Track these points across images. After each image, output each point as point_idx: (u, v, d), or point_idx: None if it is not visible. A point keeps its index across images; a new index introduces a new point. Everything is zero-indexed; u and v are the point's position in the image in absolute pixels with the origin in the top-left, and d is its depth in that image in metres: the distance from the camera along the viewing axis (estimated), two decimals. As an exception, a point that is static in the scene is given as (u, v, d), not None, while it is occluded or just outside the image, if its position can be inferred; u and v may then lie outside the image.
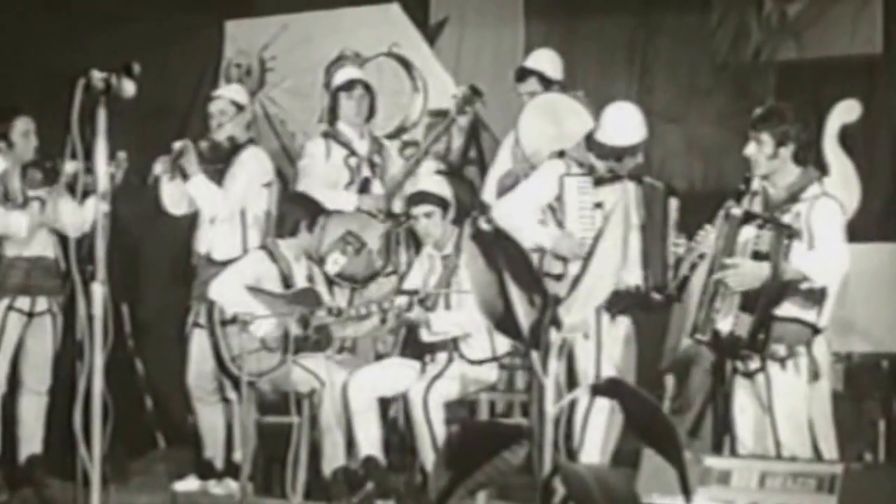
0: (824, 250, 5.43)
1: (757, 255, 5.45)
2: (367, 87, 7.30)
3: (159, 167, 7.00)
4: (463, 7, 8.31)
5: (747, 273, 5.43)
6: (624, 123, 6.23)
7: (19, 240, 6.78)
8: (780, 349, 5.44)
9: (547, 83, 7.12)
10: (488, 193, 7.09)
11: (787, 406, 5.44)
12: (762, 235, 5.45)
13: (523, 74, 7.20)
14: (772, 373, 5.46)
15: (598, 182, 6.27)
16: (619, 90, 7.35)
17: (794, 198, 5.52)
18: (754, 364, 5.50)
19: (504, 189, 7.00)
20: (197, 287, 7.08)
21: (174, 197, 7.10)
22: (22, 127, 6.81)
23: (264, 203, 7.13)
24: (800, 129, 5.55)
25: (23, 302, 6.83)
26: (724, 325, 5.50)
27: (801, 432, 5.45)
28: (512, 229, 5.95)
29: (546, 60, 7.25)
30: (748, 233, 5.49)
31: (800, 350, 5.45)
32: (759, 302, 5.42)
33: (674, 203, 6.22)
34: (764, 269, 5.40)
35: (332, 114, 7.32)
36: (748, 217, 5.50)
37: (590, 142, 6.28)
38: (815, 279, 5.40)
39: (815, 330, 5.48)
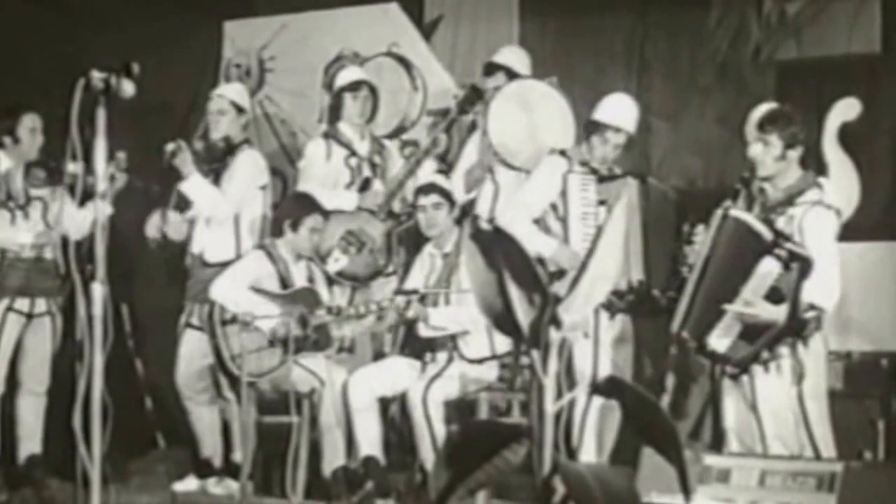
0: (826, 274, 5.36)
1: (774, 291, 5.37)
2: (372, 89, 7.31)
3: (153, 230, 7.05)
4: (458, 5, 8.31)
5: (764, 315, 5.37)
6: (619, 104, 6.43)
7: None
8: (764, 353, 5.43)
9: (514, 78, 7.14)
10: (455, 190, 7.06)
11: (772, 406, 5.43)
12: (784, 277, 5.36)
13: (491, 69, 7.22)
14: (755, 375, 5.45)
15: (601, 180, 6.30)
16: (617, 88, 7.31)
17: (790, 201, 5.49)
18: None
19: (471, 183, 7.02)
20: (191, 287, 7.08)
21: (176, 225, 7.12)
22: (29, 123, 6.81)
23: (259, 206, 7.14)
24: (808, 133, 5.54)
25: (22, 303, 6.82)
26: (719, 345, 5.46)
27: (787, 431, 5.45)
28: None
29: (514, 56, 7.28)
30: (770, 265, 5.38)
31: (783, 352, 5.43)
32: (764, 336, 5.38)
33: (680, 213, 6.22)
34: (781, 314, 5.34)
35: (334, 113, 7.32)
36: (774, 245, 5.40)
37: (587, 126, 6.36)
38: (825, 307, 5.40)
39: (799, 333, 5.46)
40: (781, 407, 5.44)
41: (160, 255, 7.39)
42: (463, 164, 7.18)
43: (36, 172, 6.81)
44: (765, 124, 5.54)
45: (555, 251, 6.18)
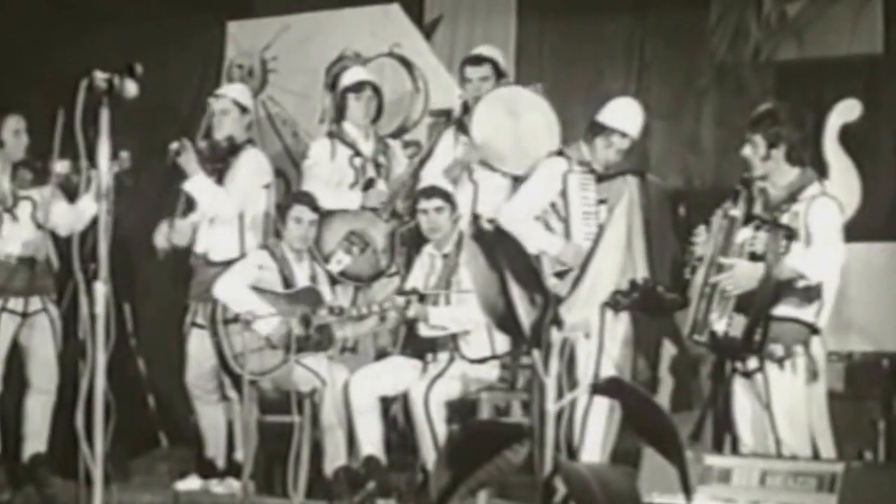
0: (819, 247, 5.41)
1: (753, 257, 5.44)
2: (375, 89, 7.32)
3: (161, 240, 7.14)
4: (456, 5, 8.31)
5: (742, 274, 5.42)
6: (626, 108, 6.45)
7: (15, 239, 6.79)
8: (778, 349, 5.44)
9: (499, 74, 7.15)
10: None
11: (786, 406, 5.44)
12: (758, 236, 5.44)
13: (478, 61, 7.20)
14: (770, 373, 5.45)
15: (601, 179, 6.32)
16: (616, 89, 7.35)
17: (792, 198, 5.51)
18: (752, 364, 5.51)
19: (450, 181, 7.03)
20: (194, 287, 7.09)
21: (182, 231, 7.14)
22: (13, 125, 6.79)
23: (263, 204, 7.15)
24: (792, 130, 5.54)
25: (15, 303, 6.81)
26: (719, 326, 5.50)
27: (801, 431, 5.45)
28: (515, 235, 6.06)
29: (496, 52, 7.31)
30: (745, 234, 5.49)
31: (797, 350, 5.44)
32: (754, 303, 5.42)
33: (679, 207, 6.24)
34: (758, 269, 5.38)
35: (339, 113, 7.33)
36: (747, 218, 5.50)
37: (591, 127, 6.35)
38: (809, 276, 5.39)
39: (813, 329, 5.47)
40: (795, 407, 5.44)
41: (168, 262, 7.40)
42: (437, 161, 7.17)
43: (23, 173, 6.81)
44: (752, 125, 5.58)
45: (560, 249, 6.22)
